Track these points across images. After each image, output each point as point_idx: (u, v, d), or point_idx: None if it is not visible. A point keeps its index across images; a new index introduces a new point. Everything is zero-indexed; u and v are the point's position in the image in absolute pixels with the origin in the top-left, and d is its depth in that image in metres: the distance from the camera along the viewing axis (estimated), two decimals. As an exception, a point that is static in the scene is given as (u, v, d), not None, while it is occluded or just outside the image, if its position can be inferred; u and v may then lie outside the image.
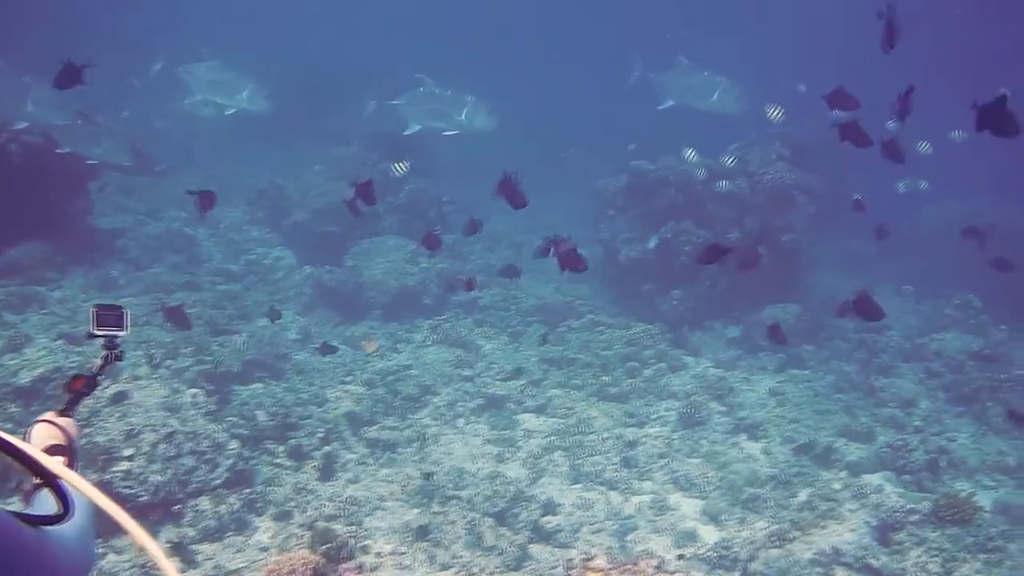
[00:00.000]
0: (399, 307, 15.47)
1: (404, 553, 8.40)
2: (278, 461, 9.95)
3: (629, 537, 9.20)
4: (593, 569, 6.35)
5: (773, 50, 32.83)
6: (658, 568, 6.41)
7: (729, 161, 15.72)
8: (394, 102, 16.06)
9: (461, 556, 8.44)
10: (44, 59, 11.29)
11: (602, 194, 18.27)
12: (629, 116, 22.63)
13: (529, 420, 12.02)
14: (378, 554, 8.32)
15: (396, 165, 13.19)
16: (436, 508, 9.29)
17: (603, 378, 13.17)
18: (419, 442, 10.94)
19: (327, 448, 10.25)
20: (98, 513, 2.22)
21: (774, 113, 13.66)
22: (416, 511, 9.23)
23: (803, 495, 9.94)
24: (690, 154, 14.74)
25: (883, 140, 9.13)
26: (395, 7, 39.63)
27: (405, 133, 15.98)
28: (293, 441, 10.21)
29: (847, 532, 8.85)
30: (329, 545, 8.11)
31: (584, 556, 6.77)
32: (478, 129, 15.55)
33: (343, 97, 24.12)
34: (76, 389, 3.16)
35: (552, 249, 9.84)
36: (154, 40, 19.90)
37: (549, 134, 28.21)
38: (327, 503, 9.05)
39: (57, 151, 13.38)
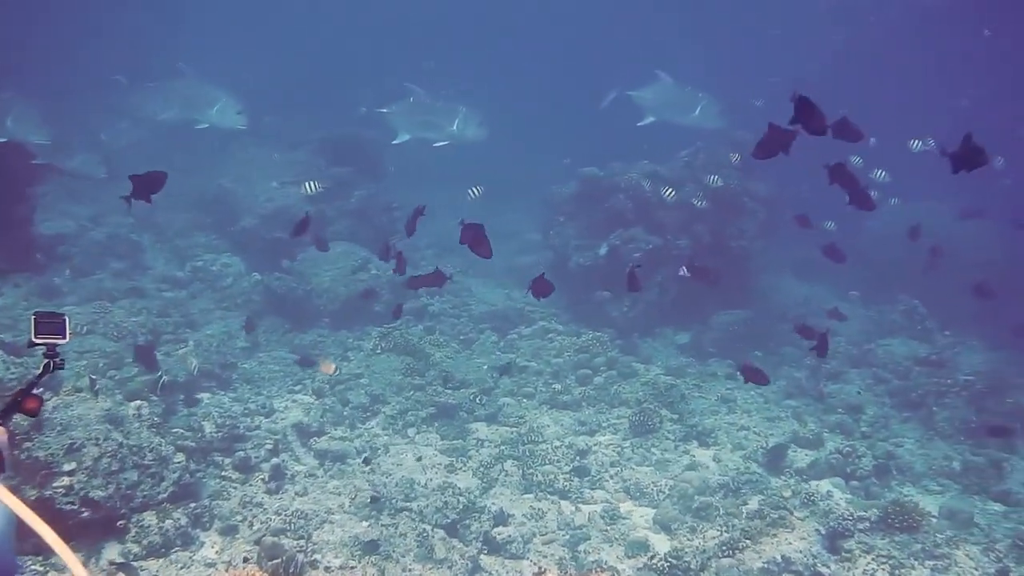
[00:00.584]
0: (349, 314, 15.35)
1: (354, 567, 8.28)
2: (225, 474, 9.78)
3: (581, 547, 9.15)
4: (544, 584, 6.29)
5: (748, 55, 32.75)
6: (610, 581, 6.38)
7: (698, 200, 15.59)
8: (383, 111, 15.98)
9: (412, 569, 8.34)
10: (41, 67, 11.15)
11: (552, 200, 18.26)
12: (590, 123, 22.77)
13: (480, 429, 11.95)
14: (327, 568, 8.20)
15: (307, 185, 13.10)
16: (386, 520, 9.18)
17: (554, 386, 13.15)
18: (366, 455, 10.83)
19: (275, 460, 10.10)
20: (20, 523, 2.16)
21: (734, 158, 13.80)
22: (366, 524, 9.11)
23: (753, 503, 9.96)
24: (669, 192, 14.70)
25: (852, 190, 9.08)
26: (389, 10, 39.20)
27: (394, 142, 15.92)
28: (241, 453, 10.05)
29: (797, 540, 8.88)
30: (277, 560, 8.00)
31: (536, 571, 6.72)
32: (469, 139, 15.55)
33: (337, 101, 24.02)
34: (13, 399, 3.12)
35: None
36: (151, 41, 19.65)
37: (515, 138, 28.26)
38: (275, 517, 8.91)
39: (33, 162, 13.41)
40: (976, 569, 8.51)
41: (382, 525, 9.04)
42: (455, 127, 15.11)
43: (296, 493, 9.67)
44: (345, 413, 11.82)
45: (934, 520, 9.81)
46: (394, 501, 9.51)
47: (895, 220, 21.58)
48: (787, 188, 19.12)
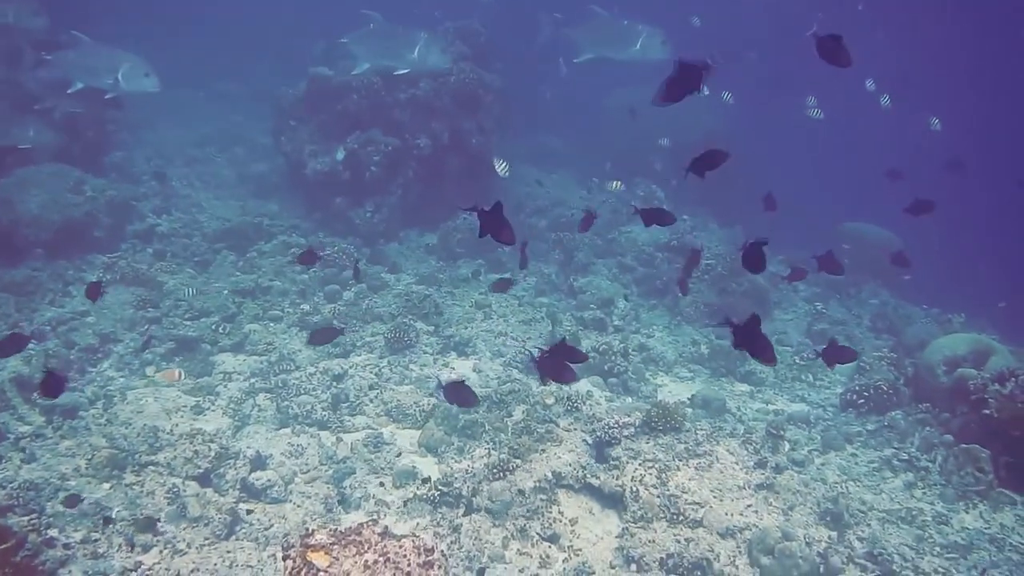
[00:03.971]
0: (65, 244, 13.86)
1: (97, 539, 7.50)
2: (-67, 447, 8.61)
3: (347, 483, 8.72)
4: (314, 548, 5.80)
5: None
6: (383, 535, 5.97)
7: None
8: (343, 40, 14.54)
9: (164, 532, 7.66)
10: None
11: (281, 103, 17.18)
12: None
13: (227, 361, 11.18)
14: (66, 545, 7.36)
15: None
16: (130, 479, 8.38)
17: (302, 306, 12.49)
18: (104, 401, 9.89)
19: (-7, 425, 9.00)
20: None
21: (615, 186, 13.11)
22: (107, 486, 8.28)
23: (518, 414, 9.83)
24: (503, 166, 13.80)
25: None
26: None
27: (353, 73, 14.54)
28: (-50, 420, 8.89)
29: (566, 453, 8.80)
30: (5, 545, 7.09)
31: (302, 533, 6.22)
32: (431, 67, 14.56)
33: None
34: None
35: None
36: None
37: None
38: (-1, 492, 7.91)
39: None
40: (737, 463, 8.75)
41: (126, 485, 8.25)
42: (416, 54, 14.09)
43: (22, 460, 8.64)
44: (72, 357, 10.70)
45: (689, 411, 10.06)
46: (138, 456, 8.70)
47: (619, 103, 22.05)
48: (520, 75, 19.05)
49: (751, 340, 5.69)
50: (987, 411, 9.56)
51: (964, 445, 9.49)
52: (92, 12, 19.07)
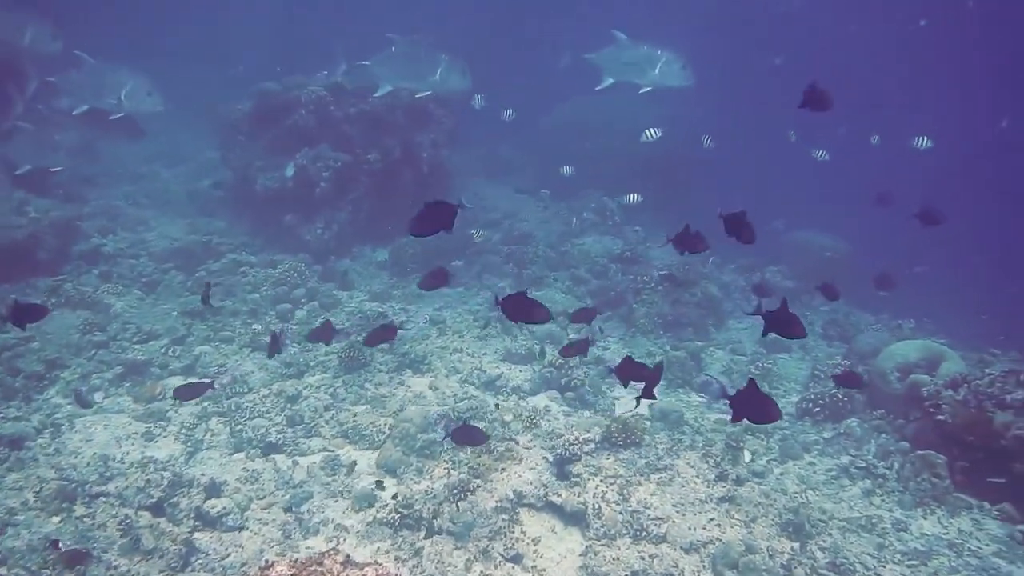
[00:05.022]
0: (7, 267, 13.54)
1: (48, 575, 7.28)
2: None
3: (304, 508, 8.57)
4: (275, 580, 5.66)
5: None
6: (345, 563, 5.85)
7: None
8: (364, 63, 14.28)
9: (117, 566, 7.45)
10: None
11: (229, 118, 16.95)
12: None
13: (177, 384, 10.94)
14: (16, 584, 7.15)
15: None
16: (81, 511, 8.15)
17: (254, 326, 12.29)
18: (52, 430, 9.63)
19: (-64, 459, 8.72)
20: None
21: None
22: (57, 519, 8.05)
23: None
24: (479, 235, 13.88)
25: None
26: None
27: (376, 95, 14.27)
28: None
29: (526, 471, 8.71)
30: (-49, 585, 6.88)
31: (262, 565, 6.07)
32: (452, 89, 14.32)
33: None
34: None
35: None
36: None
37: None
38: (-58, 530, 7.67)
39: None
40: (698, 477, 8.73)
41: (76, 518, 8.02)
42: (438, 76, 13.90)
43: (-34, 496, 8.39)
44: (17, 385, 10.42)
45: (648, 423, 10.02)
46: (88, 486, 8.47)
47: (573, 112, 22.12)
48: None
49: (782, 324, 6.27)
50: (941, 417, 9.64)
51: (920, 452, 9.55)
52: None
